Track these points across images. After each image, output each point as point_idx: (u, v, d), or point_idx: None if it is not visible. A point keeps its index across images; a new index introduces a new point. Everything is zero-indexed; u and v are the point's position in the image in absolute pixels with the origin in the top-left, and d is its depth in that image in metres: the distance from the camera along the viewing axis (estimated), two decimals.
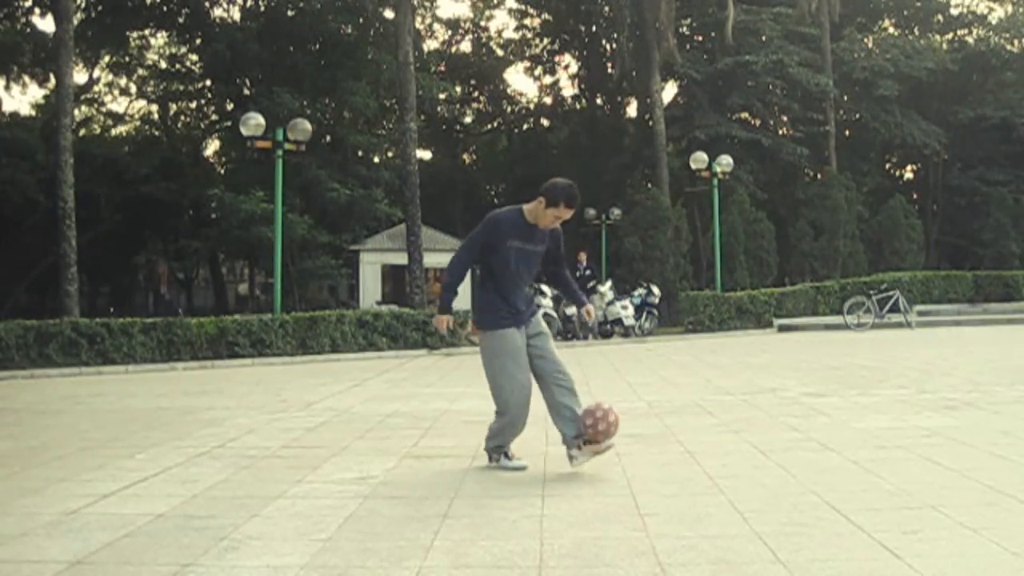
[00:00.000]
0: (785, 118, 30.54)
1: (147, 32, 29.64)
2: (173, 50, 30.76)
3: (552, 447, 5.27)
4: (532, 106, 37.95)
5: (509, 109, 37.94)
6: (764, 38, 27.95)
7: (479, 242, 4.65)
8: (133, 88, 33.24)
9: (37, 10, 25.80)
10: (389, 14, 25.41)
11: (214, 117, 30.74)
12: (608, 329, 18.21)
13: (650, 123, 27.54)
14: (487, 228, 4.61)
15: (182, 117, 33.36)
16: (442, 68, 32.84)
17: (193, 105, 31.82)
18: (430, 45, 34.24)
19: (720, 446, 5.18)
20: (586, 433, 4.44)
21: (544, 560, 3.04)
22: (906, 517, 3.46)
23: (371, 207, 24.68)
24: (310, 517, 3.70)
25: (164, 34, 29.96)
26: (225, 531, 3.49)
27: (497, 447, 4.77)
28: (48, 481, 4.52)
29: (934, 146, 30.08)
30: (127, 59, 30.91)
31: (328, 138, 25.36)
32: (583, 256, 18.51)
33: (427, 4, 33.72)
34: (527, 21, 35.36)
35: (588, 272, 18.03)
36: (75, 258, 16.35)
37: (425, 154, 32.87)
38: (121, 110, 35.06)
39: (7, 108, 32.02)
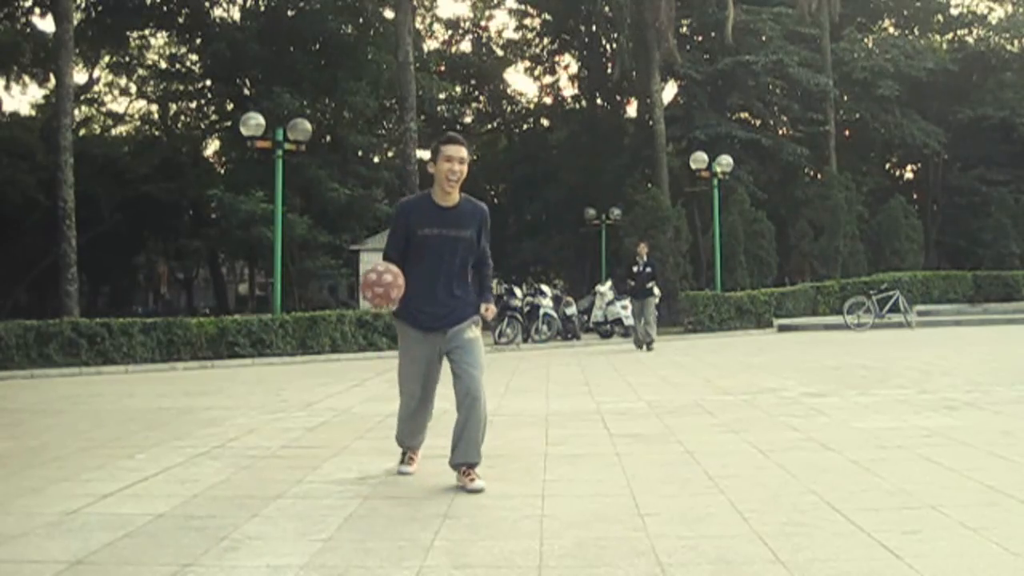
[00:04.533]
0: (785, 118, 30.56)
1: (147, 32, 29.65)
2: (173, 50, 30.77)
3: (552, 447, 5.27)
4: (532, 106, 37.98)
5: (509, 109, 37.97)
6: (764, 38, 27.97)
7: (397, 234, 4.19)
8: (133, 88, 33.28)
9: (37, 10, 25.83)
10: (389, 14, 25.43)
11: (214, 117, 30.75)
12: (608, 329, 18.22)
13: (650, 123, 27.55)
14: (397, 216, 4.24)
15: (182, 117, 33.36)
16: (442, 68, 32.85)
17: (193, 105, 31.83)
18: (430, 45, 34.28)
19: (720, 446, 5.17)
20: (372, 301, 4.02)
21: (544, 560, 3.04)
22: (906, 517, 3.46)
23: (371, 207, 24.70)
24: (310, 517, 3.70)
25: (164, 34, 29.97)
26: (225, 531, 3.49)
27: (402, 444, 4.60)
28: (48, 481, 4.52)
29: (934, 146, 30.09)
30: (127, 59, 30.92)
31: (328, 138, 25.37)
32: (643, 249, 14.60)
33: (427, 4, 33.75)
34: (527, 21, 35.40)
35: (648, 270, 14.16)
36: (75, 258, 16.38)
37: (425, 154, 32.84)
38: (121, 110, 35.11)
39: (7, 108, 32.07)
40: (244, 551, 3.23)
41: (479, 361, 4.17)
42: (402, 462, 4.59)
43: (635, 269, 14.27)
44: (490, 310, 4.31)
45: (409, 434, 4.54)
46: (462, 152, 4.06)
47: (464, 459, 4.15)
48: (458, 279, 4.19)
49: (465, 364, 4.11)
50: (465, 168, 4.06)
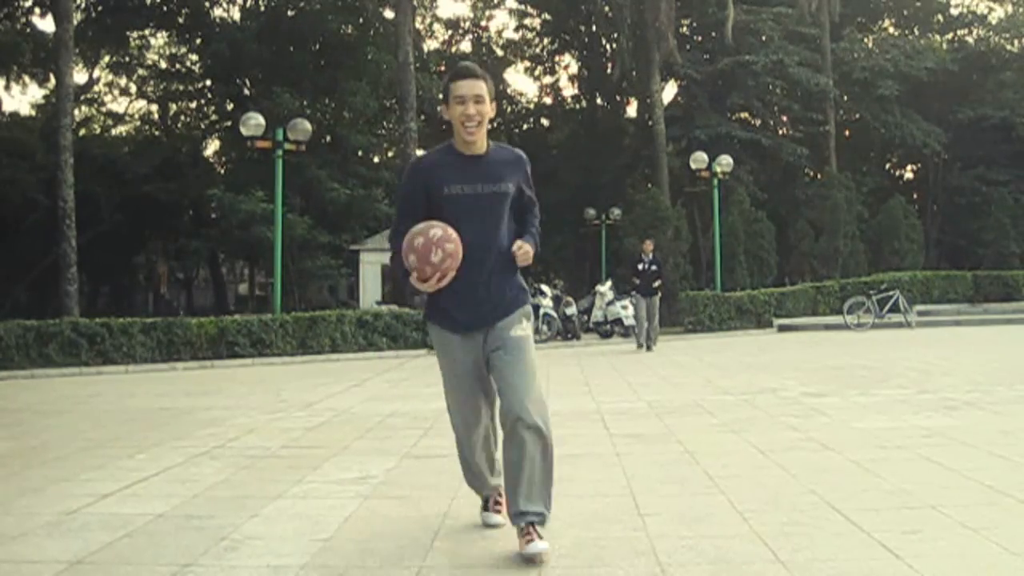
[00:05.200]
0: (785, 118, 30.56)
1: (147, 32, 29.67)
2: (173, 50, 30.79)
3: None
4: (532, 106, 37.98)
5: (509, 109, 37.95)
6: (764, 38, 27.98)
7: (410, 200, 3.15)
8: (133, 88, 33.29)
9: (37, 10, 25.85)
10: (389, 14, 25.44)
11: (214, 117, 30.77)
12: (608, 329, 18.21)
13: (650, 123, 27.55)
14: (409, 177, 3.22)
15: (182, 117, 33.38)
16: (442, 68, 32.83)
17: (193, 105, 31.85)
18: (430, 45, 34.27)
19: (720, 446, 5.18)
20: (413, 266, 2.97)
21: (544, 560, 3.04)
22: (906, 517, 3.46)
23: (371, 207, 24.71)
24: (310, 517, 3.70)
25: (164, 34, 29.99)
26: (225, 531, 3.49)
27: (478, 491, 3.53)
28: (48, 481, 4.52)
29: (934, 146, 30.10)
30: (127, 59, 30.94)
31: (328, 138, 25.39)
32: (648, 246, 14.46)
33: (427, 4, 33.75)
34: (527, 21, 35.39)
35: (654, 268, 14.03)
36: (75, 258, 16.38)
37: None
38: (121, 110, 35.12)
39: (7, 108, 32.09)
40: (244, 551, 3.23)
41: (529, 368, 3.10)
42: (485, 508, 3.51)
43: (640, 267, 14.01)
44: (523, 249, 3.12)
45: (477, 480, 3.44)
46: (478, 87, 3.08)
47: (523, 508, 3.05)
48: (503, 255, 3.14)
49: (509, 373, 3.07)
50: (487, 108, 3.11)
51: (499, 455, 3.28)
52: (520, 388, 3.04)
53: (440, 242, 2.89)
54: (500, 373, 3.10)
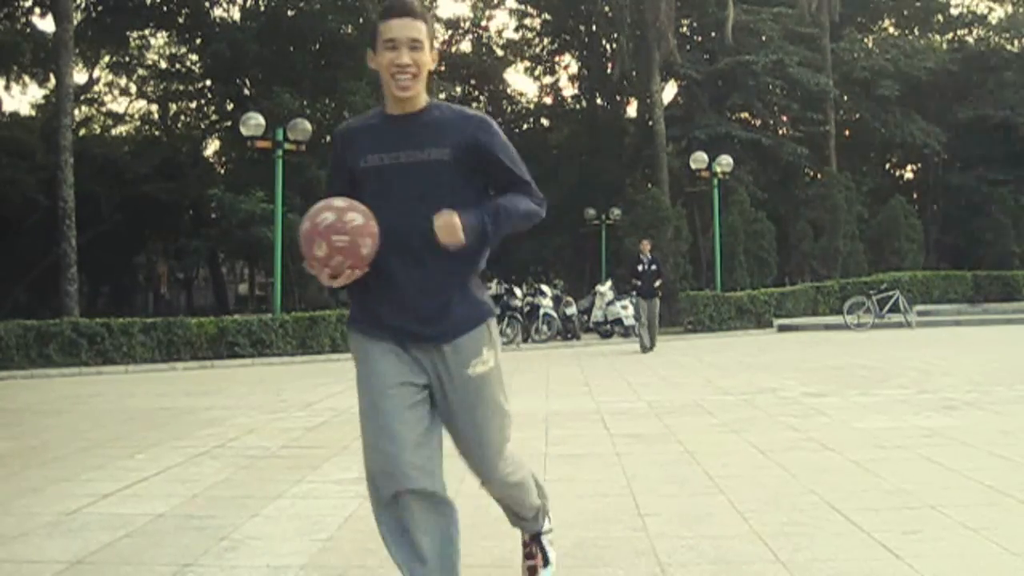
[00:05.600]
0: (785, 118, 30.54)
1: (147, 32, 29.65)
2: (173, 50, 30.78)
3: (552, 447, 5.27)
4: (532, 106, 37.97)
5: (509, 109, 37.94)
6: (764, 38, 27.99)
7: (334, 178, 2.44)
8: (133, 88, 33.26)
9: (37, 10, 25.81)
10: None
11: (214, 117, 30.75)
12: (608, 329, 18.21)
13: (650, 123, 27.55)
14: (334, 146, 2.49)
15: (182, 117, 33.37)
16: (442, 68, 32.86)
17: (193, 105, 31.84)
18: None
19: (720, 446, 5.18)
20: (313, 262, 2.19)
21: None
22: (906, 517, 3.46)
23: None
24: (310, 517, 3.70)
25: (164, 34, 29.97)
26: (225, 531, 3.49)
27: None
28: (48, 481, 4.53)
29: (934, 146, 30.09)
30: (127, 59, 30.92)
31: (328, 138, 25.37)
32: (646, 246, 14.26)
33: (427, 4, 33.77)
34: (527, 21, 35.38)
35: (653, 268, 13.78)
36: (75, 258, 16.37)
37: None
38: (121, 110, 35.08)
39: (7, 108, 32.04)
40: (244, 551, 3.23)
41: (495, 417, 2.40)
42: None
43: (640, 268, 13.74)
44: (445, 220, 2.16)
45: (387, 538, 2.47)
46: (414, 29, 2.24)
47: (517, 525, 2.78)
48: (443, 249, 2.19)
49: (471, 429, 2.38)
50: (426, 57, 2.28)
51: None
52: (487, 444, 2.40)
53: (326, 232, 2.14)
54: (458, 428, 2.37)
